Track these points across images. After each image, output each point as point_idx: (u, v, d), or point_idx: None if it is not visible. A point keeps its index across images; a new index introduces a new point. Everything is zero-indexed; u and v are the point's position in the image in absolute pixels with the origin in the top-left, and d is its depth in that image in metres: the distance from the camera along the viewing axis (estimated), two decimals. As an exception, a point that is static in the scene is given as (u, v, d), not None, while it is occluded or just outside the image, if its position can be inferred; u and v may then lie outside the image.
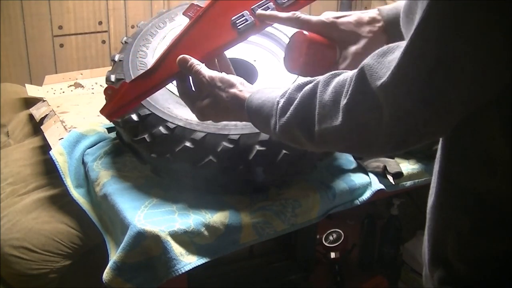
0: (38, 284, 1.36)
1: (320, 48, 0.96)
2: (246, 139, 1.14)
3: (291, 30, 1.36)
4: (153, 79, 1.01)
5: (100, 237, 1.25)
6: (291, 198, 1.22)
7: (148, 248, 1.10)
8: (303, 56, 0.95)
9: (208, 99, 0.96)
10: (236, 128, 1.15)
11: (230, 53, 1.33)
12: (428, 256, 0.78)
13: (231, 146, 1.14)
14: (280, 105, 0.84)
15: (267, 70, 1.33)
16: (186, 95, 1.00)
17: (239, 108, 0.92)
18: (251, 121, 0.92)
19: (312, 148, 0.85)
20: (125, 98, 1.02)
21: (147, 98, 1.20)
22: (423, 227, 0.81)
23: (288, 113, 0.82)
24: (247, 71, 1.34)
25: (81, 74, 1.76)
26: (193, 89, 0.99)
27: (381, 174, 1.33)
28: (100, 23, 1.90)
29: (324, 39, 0.96)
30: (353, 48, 0.94)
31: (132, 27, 1.94)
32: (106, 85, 1.08)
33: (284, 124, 0.83)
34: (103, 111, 1.04)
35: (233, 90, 0.93)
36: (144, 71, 1.04)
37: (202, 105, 0.97)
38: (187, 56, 0.98)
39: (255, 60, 1.35)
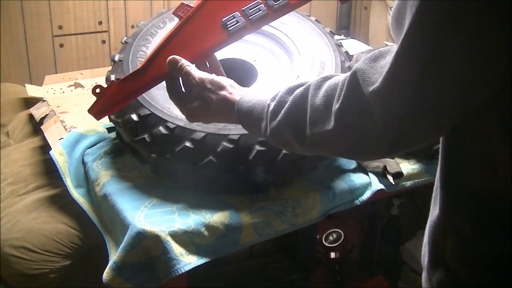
0: (38, 284, 1.36)
1: None
2: (246, 139, 1.14)
3: (291, 30, 1.36)
4: (142, 79, 1.00)
5: (100, 237, 1.25)
6: (291, 198, 1.22)
7: (148, 248, 1.10)
8: None
9: (197, 100, 0.95)
10: (236, 128, 1.15)
11: (230, 53, 1.34)
12: (428, 259, 0.77)
13: (231, 146, 1.14)
14: (271, 108, 0.83)
15: (267, 70, 1.33)
16: (176, 96, 0.99)
17: (228, 110, 0.92)
18: (241, 124, 0.92)
19: (303, 152, 0.84)
20: (113, 98, 1.01)
21: (147, 98, 1.20)
22: (423, 227, 0.81)
23: (279, 116, 0.82)
24: (247, 71, 1.34)
25: (81, 74, 1.76)
26: (183, 90, 0.98)
27: (381, 174, 1.33)
28: (100, 23, 1.90)
29: None
30: None
31: (132, 27, 1.94)
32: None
33: (275, 128, 0.82)
34: (91, 111, 1.03)
35: (223, 93, 0.93)
36: (133, 70, 1.03)
37: (192, 107, 0.96)
38: (177, 57, 0.97)
39: (255, 60, 1.35)
